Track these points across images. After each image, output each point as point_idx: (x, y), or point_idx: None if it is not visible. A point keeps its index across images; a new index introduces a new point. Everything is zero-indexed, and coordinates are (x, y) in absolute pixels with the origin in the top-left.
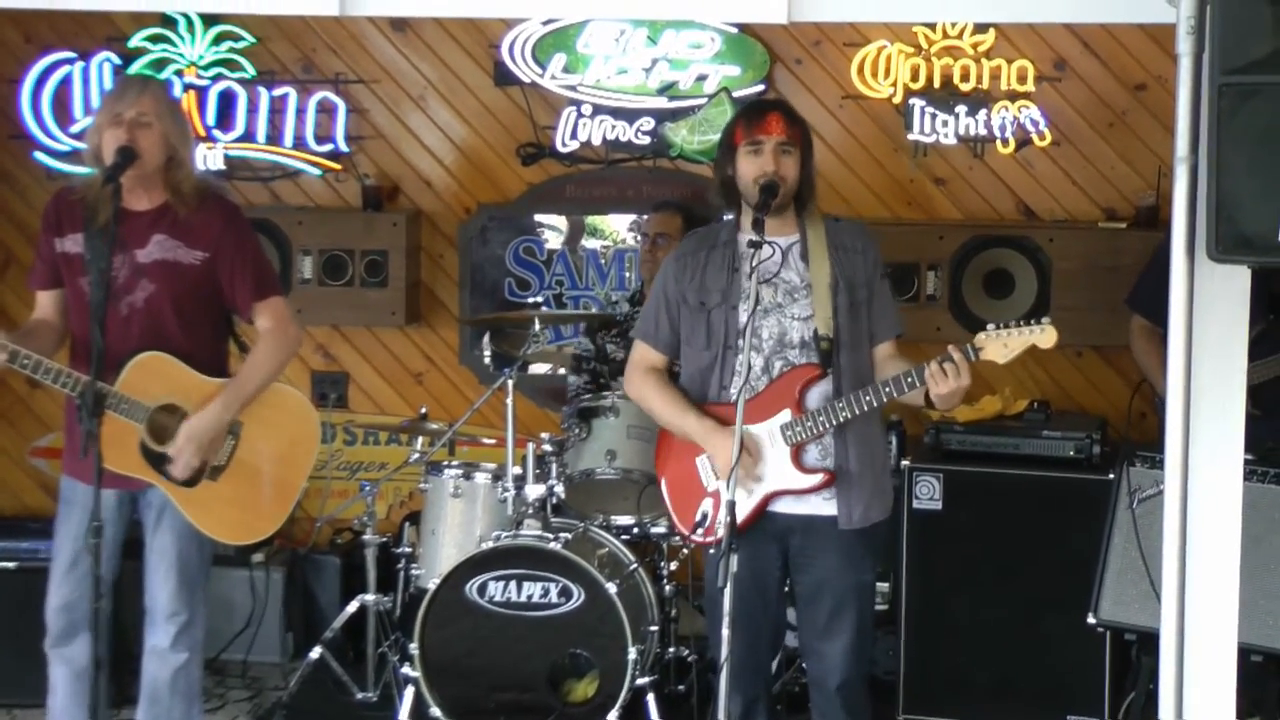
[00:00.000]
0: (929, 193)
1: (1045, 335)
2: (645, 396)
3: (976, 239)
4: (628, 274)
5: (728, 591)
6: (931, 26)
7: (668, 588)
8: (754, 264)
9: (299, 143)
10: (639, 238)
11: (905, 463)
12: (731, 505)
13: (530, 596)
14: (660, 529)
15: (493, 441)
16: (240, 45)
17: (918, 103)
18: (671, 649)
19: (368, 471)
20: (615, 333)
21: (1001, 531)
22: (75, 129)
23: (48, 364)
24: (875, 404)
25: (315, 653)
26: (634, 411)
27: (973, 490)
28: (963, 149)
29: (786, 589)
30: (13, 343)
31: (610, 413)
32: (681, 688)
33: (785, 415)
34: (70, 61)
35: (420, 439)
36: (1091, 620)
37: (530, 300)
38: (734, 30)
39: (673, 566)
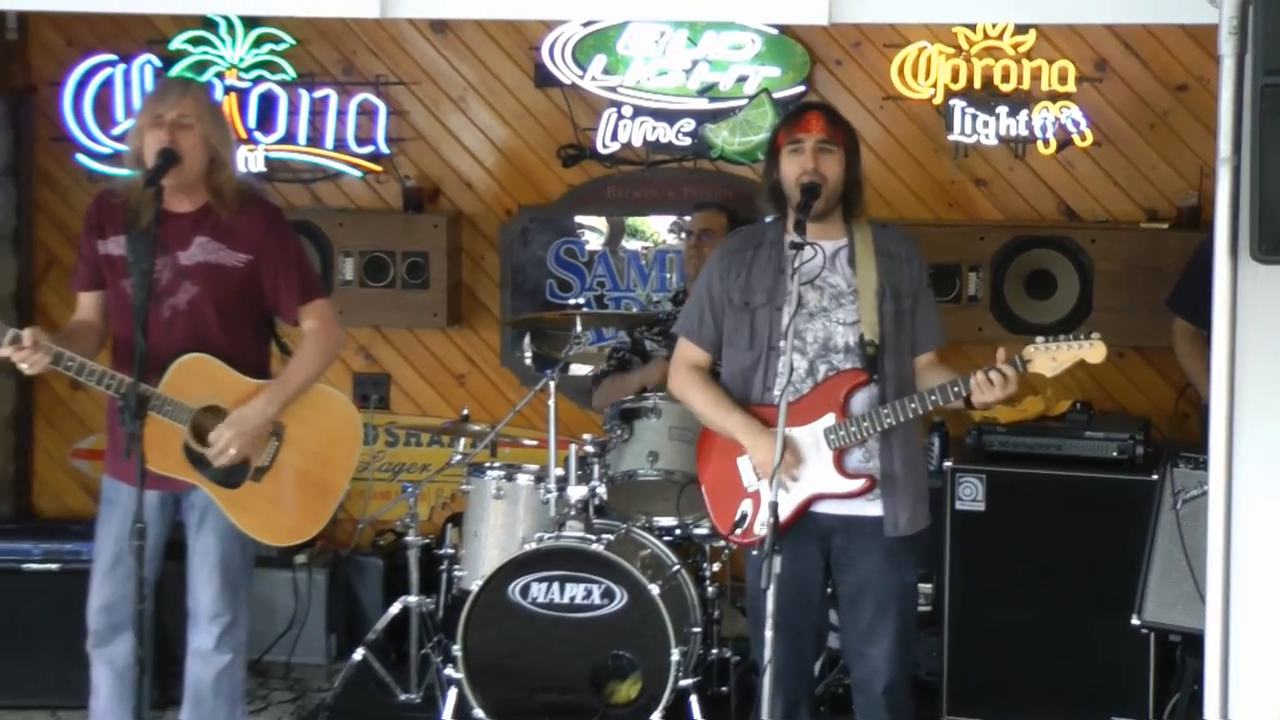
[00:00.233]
0: (970, 193)
1: (1094, 350)
2: (688, 394)
3: (1018, 240)
4: (669, 275)
5: (770, 593)
6: (972, 27)
7: (710, 589)
8: (795, 265)
9: (340, 145)
10: (683, 236)
11: (948, 464)
12: (774, 507)
13: (573, 598)
14: (702, 530)
15: (534, 443)
16: (281, 47)
17: (958, 103)
18: (714, 650)
19: (410, 473)
20: (657, 330)
21: (1044, 532)
22: (116, 131)
23: (91, 366)
24: (920, 411)
25: (358, 654)
26: (676, 412)
27: (1016, 491)
28: (1004, 150)
29: (829, 591)
30: (56, 344)
31: (652, 414)
32: (724, 689)
33: (829, 419)
34: (111, 64)
35: (462, 440)
36: (1135, 621)
37: (571, 302)
38: (774, 31)
39: (715, 568)
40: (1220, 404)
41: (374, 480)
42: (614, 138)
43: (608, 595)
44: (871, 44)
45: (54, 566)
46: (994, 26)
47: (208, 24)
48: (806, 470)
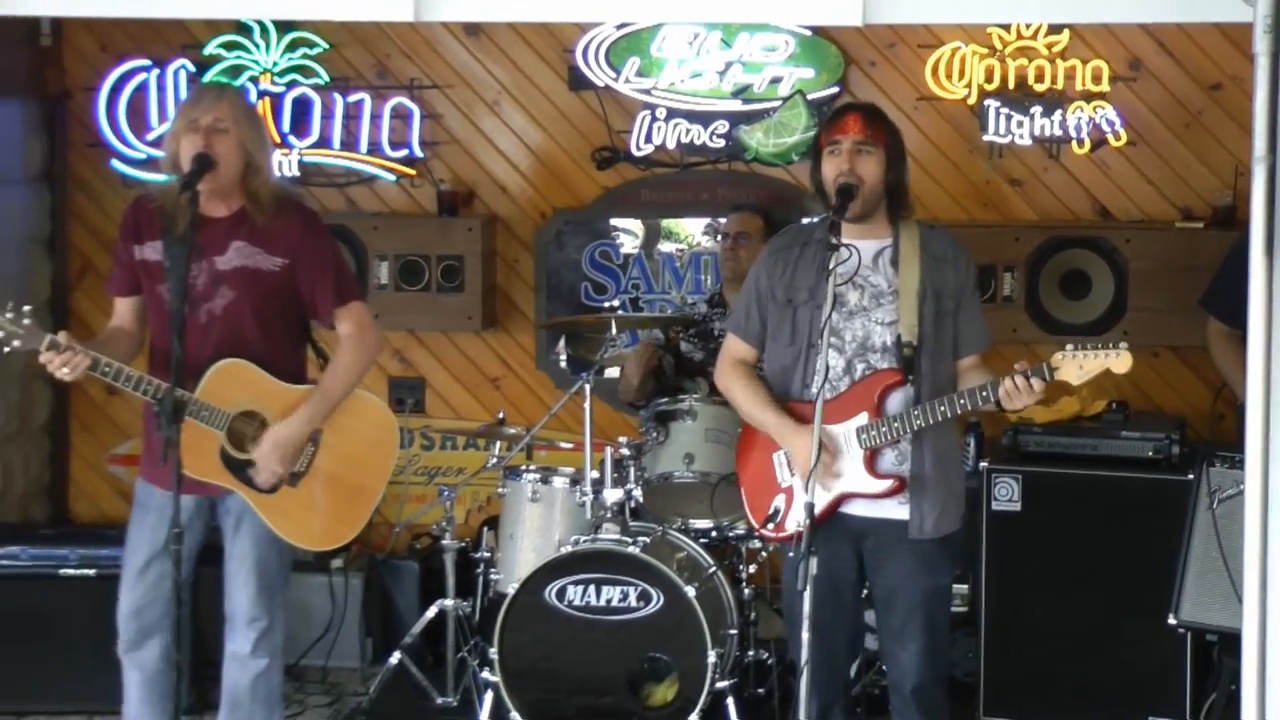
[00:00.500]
0: (1004, 194)
1: (1121, 360)
2: (731, 389)
3: (1052, 240)
4: (704, 277)
5: (807, 594)
6: (1006, 27)
7: (746, 591)
8: (831, 265)
9: (374, 148)
10: (719, 238)
11: (984, 464)
12: (810, 508)
13: (609, 600)
14: (738, 532)
15: (570, 445)
16: (314, 51)
17: (992, 104)
18: (751, 652)
19: (446, 476)
20: (693, 333)
21: (1080, 532)
22: (151, 137)
23: (128, 371)
24: (949, 414)
25: (395, 658)
26: (711, 414)
27: (1051, 491)
28: (1038, 150)
29: (865, 592)
30: (92, 350)
31: (688, 416)
32: (761, 691)
33: (863, 418)
34: (146, 69)
35: (498, 443)
36: (1172, 621)
37: (606, 305)
38: (808, 33)
39: (751, 570)
40: (1256, 403)
41: (410, 484)
42: (648, 140)
43: (644, 598)
44: (906, 44)
45: (90, 572)
46: (1028, 26)
47: (242, 28)
48: (839, 468)
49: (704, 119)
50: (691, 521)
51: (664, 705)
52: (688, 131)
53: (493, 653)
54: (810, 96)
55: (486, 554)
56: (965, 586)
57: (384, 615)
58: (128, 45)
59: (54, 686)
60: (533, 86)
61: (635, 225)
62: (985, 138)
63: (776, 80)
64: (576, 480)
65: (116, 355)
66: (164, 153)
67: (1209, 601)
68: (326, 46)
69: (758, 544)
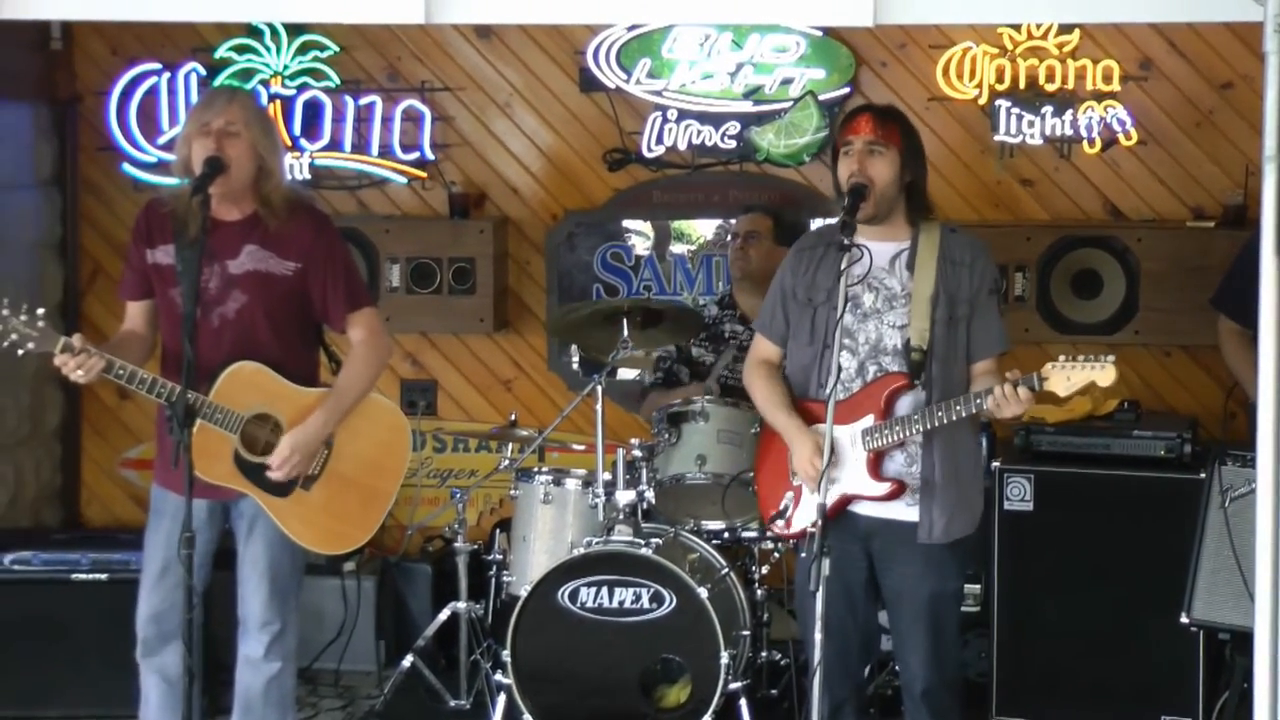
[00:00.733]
0: (1016, 194)
1: (1105, 373)
2: (751, 387)
3: (1064, 240)
4: (715, 278)
5: (819, 595)
6: (1016, 27)
7: (759, 592)
8: (844, 266)
9: (385, 151)
10: (729, 239)
11: (996, 464)
12: (823, 508)
13: (622, 602)
14: (751, 533)
15: (582, 447)
16: (325, 54)
17: (1003, 104)
18: (764, 653)
19: (458, 479)
20: (704, 336)
21: (1093, 532)
22: (162, 140)
23: (141, 374)
24: (945, 419)
25: (407, 661)
26: (724, 416)
27: (1064, 491)
28: (1049, 150)
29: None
30: (105, 354)
31: (700, 417)
32: (774, 692)
33: (869, 420)
34: (156, 73)
35: (510, 445)
36: (1184, 620)
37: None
38: (819, 34)
39: (764, 571)
40: (1268, 402)
41: (422, 486)
42: (659, 141)
43: (656, 599)
44: (916, 45)
45: (102, 576)
46: (1038, 26)
47: (252, 32)
48: (842, 470)
49: (715, 120)
50: (704, 523)
51: (677, 707)
52: (699, 133)
53: (505, 655)
54: (821, 97)
55: (499, 556)
56: (978, 586)
57: (396, 618)
58: (138, 49)
59: (66, 691)
60: (544, 88)
61: (646, 227)
62: (996, 138)
63: (788, 81)
64: (589, 482)
65: (129, 359)
66: (175, 156)
67: (1221, 600)
68: (337, 49)
69: (770, 545)
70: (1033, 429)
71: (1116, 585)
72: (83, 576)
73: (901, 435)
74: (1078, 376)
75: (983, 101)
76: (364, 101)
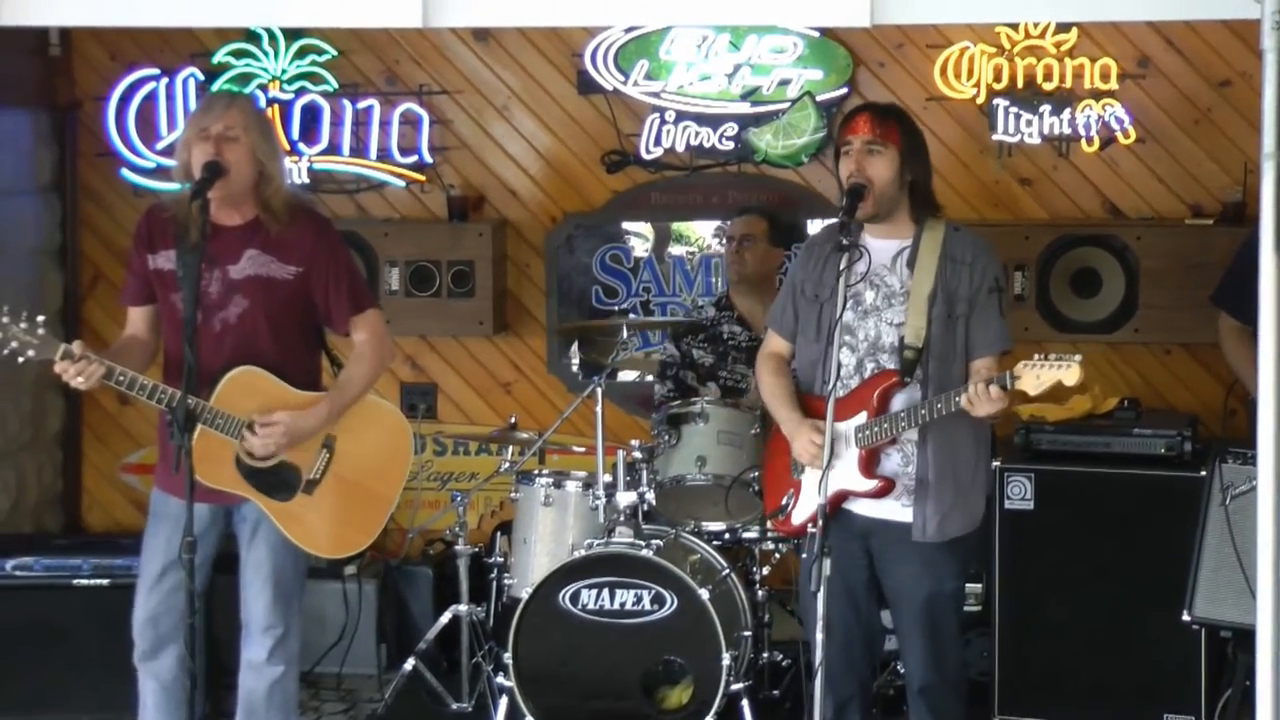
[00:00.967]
0: (1014, 193)
1: (1071, 372)
2: (760, 382)
3: (1063, 238)
4: (714, 280)
5: (821, 595)
6: (1014, 26)
7: (760, 593)
8: (843, 265)
9: (383, 155)
10: (724, 241)
11: (996, 463)
12: (824, 509)
13: (623, 604)
14: (752, 534)
15: (583, 449)
16: (323, 58)
17: (1001, 103)
18: (765, 654)
19: (458, 482)
20: (702, 338)
21: (1094, 530)
22: (161, 146)
23: (142, 380)
24: (929, 417)
25: (409, 664)
26: (724, 417)
27: (1064, 489)
28: (1047, 148)
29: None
30: (106, 360)
31: (700, 419)
32: (776, 693)
33: (862, 418)
34: (155, 78)
35: (510, 448)
36: (1186, 618)
37: (617, 308)
38: (816, 34)
39: (765, 571)
40: (1268, 398)
41: (423, 489)
42: (657, 143)
43: (658, 601)
44: (914, 45)
45: (104, 581)
46: (1036, 25)
47: (250, 36)
48: (836, 466)
49: (713, 121)
50: (704, 524)
51: (679, 708)
52: (697, 134)
53: (507, 658)
54: (819, 98)
55: (500, 559)
56: (979, 585)
57: (398, 621)
58: (136, 54)
59: (67, 696)
60: (542, 91)
61: (646, 228)
62: (994, 137)
63: (785, 82)
64: (589, 484)
65: (130, 364)
66: (176, 162)
67: (1223, 597)
68: (335, 53)
69: (771, 546)
70: (1033, 428)
71: (1118, 583)
72: (84, 582)
73: (891, 432)
74: (1046, 376)
75: (980, 101)
76: (362, 105)
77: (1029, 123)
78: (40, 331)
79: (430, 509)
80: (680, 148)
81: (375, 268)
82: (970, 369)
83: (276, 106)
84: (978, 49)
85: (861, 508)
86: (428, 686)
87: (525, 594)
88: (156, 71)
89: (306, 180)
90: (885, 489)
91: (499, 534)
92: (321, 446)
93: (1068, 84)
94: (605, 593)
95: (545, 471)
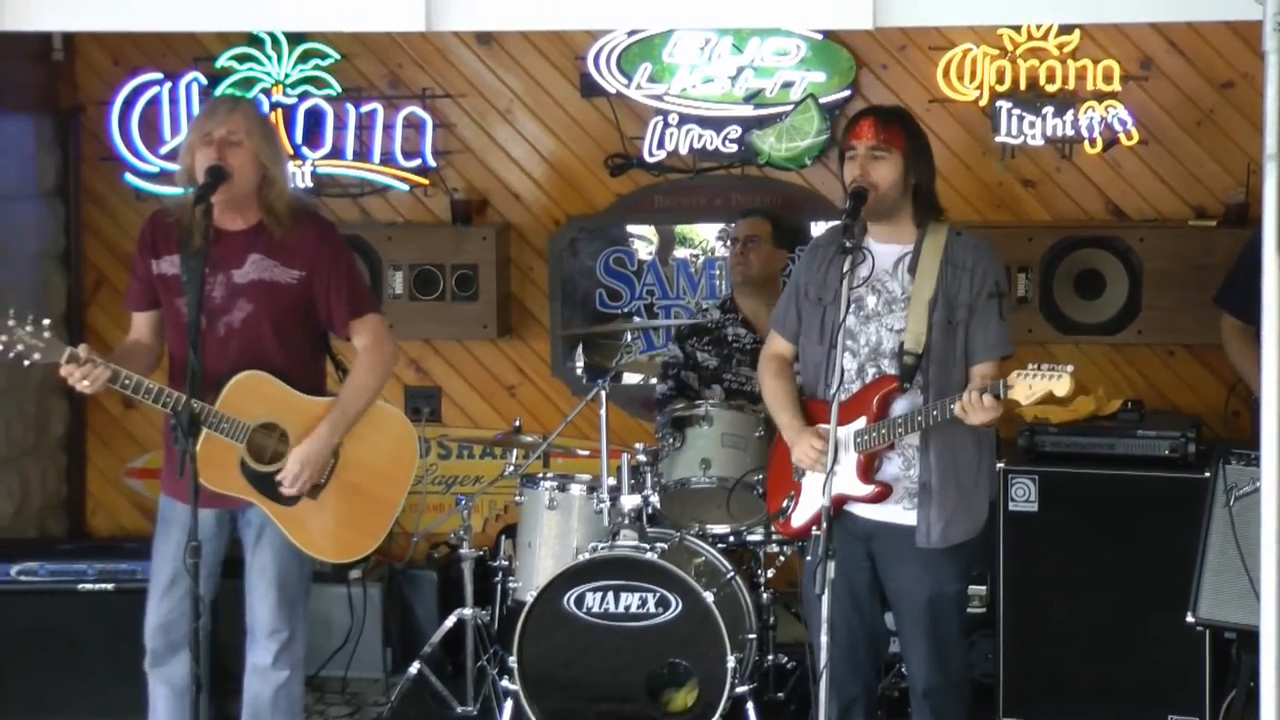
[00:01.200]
0: (1017, 195)
1: (1061, 383)
2: (762, 384)
3: (1066, 240)
4: (718, 282)
5: (825, 598)
6: (1016, 28)
7: (765, 595)
8: (844, 270)
9: (387, 158)
10: (728, 244)
11: (1000, 465)
12: (827, 512)
13: (628, 607)
14: (756, 537)
15: (587, 453)
16: (326, 62)
17: (1004, 105)
18: (770, 657)
19: (463, 485)
20: (707, 340)
21: (1098, 532)
22: (164, 150)
23: (147, 384)
24: (924, 424)
25: (414, 668)
26: (728, 420)
27: (1068, 491)
28: (1050, 150)
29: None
30: (112, 363)
31: (704, 421)
32: (781, 695)
33: (861, 423)
34: (158, 83)
35: (514, 452)
36: (1190, 619)
37: (621, 311)
38: (819, 37)
39: (770, 574)
40: (1272, 399)
41: (427, 493)
42: (661, 146)
43: (662, 604)
44: (916, 47)
45: (109, 586)
46: (1038, 27)
47: (253, 40)
48: (836, 470)
49: (716, 124)
50: (709, 527)
51: (684, 711)
52: (700, 137)
53: (512, 661)
54: (822, 100)
55: (504, 562)
56: (983, 587)
57: (403, 625)
58: (139, 59)
59: (73, 701)
60: (545, 94)
61: (650, 231)
62: (997, 139)
63: (788, 84)
64: (594, 487)
65: (135, 369)
66: (179, 166)
67: (1226, 599)
68: (338, 57)
69: (776, 548)
70: (1037, 430)
71: (1122, 585)
72: (89, 587)
73: (889, 438)
74: (1038, 385)
75: (983, 103)
76: (365, 109)
77: (1032, 124)
78: (46, 335)
79: (435, 513)
80: (683, 150)
81: (379, 272)
82: (970, 374)
83: (280, 111)
84: (980, 51)
85: (863, 510)
86: (433, 690)
87: (530, 597)
88: (159, 76)
89: (310, 184)
90: (882, 494)
91: (503, 537)
92: (330, 454)
93: (1070, 86)
94: (610, 596)
95: (550, 475)
